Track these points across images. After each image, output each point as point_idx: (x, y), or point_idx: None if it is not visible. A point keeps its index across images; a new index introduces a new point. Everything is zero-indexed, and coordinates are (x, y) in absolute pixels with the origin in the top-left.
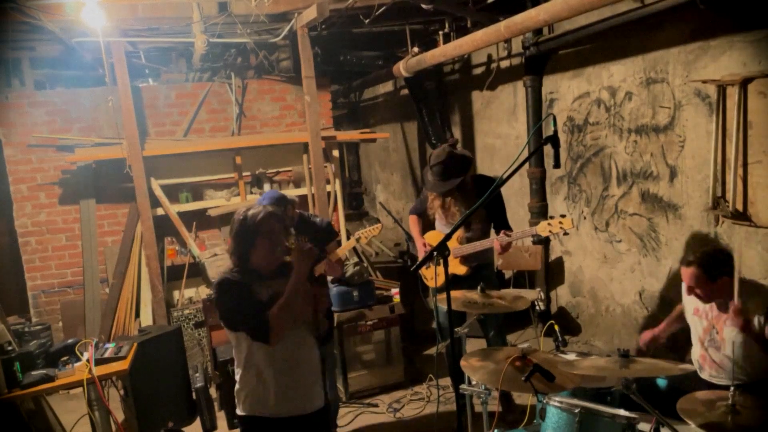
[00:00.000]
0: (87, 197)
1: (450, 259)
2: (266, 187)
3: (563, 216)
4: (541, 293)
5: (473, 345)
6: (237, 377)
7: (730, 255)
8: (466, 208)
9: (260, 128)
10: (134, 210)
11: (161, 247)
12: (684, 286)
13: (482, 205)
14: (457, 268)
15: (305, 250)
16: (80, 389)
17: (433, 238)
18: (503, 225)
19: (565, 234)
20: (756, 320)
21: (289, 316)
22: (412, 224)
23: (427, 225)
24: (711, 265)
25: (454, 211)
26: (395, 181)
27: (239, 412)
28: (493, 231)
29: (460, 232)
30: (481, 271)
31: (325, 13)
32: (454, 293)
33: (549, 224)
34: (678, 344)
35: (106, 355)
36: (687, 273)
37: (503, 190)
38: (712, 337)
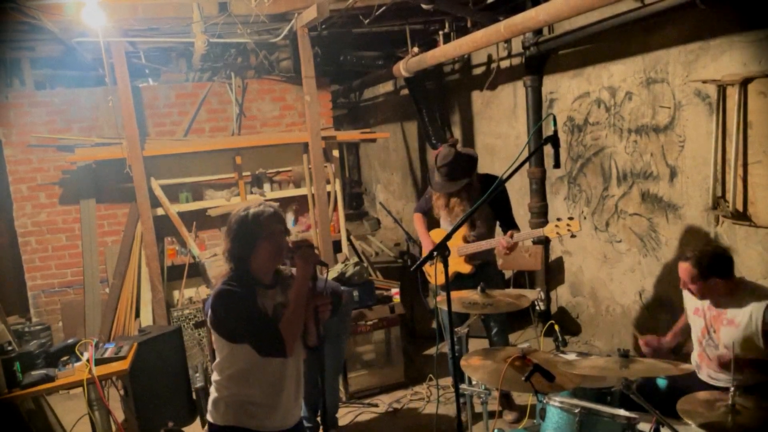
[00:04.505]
0: (87, 197)
1: (454, 257)
2: (266, 187)
3: (571, 218)
4: (541, 293)
5: (476, 345)
6: (215, 383)
7: (728, 257)
8: (470, 207)
9: (260, 128)
10: (134, 210)
11: (161, 247)
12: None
13: (484, 203)
14: (461, 267)
15: (308, 251)
16: (80, 389)
17: (440, 236)
18: (510, 223)
19: (573, 236)
20: (753, 317)
21: (300, 324)
22: (418, 223)
23: (433, 223)
24: (704, 265)
25: (458, 211)
26: (395, 181)
27: (216, 421)
28: (499, 230)
29: (465, 231)
30: (485, 270)
31: (325, 13)
32: (455, 293)
33: (556, 226)
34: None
35: (106, 355)
36: (681, 267)
37: (506, 188)
38: (710, 336)
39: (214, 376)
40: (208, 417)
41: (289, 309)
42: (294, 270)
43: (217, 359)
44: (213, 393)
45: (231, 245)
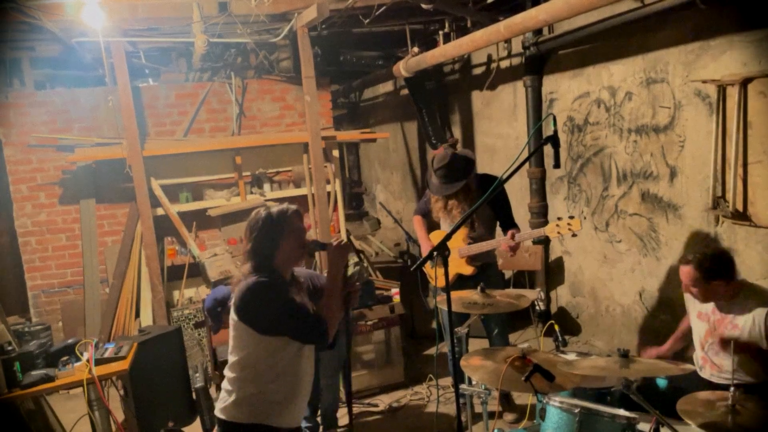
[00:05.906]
0: (87, 197)
1: (456, 258)
2: (266, 187)
3: (572, 217)
4: (541, 293)
5: (476, 345)
6: (234, 380)
7: (730, 259)
8: (469, 209)
9: (260, 128)
10: (134, 210)
11: (161, 247)
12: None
13: (483, 204)
14: (463, 268)
15: (342, 244)
16: (80, 389)
17: (440, 238)
18: (509, 223)
19: (574, 236)
20: (756, 321)
21: (339, 310)
22: (417, 225)
23: (433, 225)
24: (707, 267)
25: (457, 213)
26: (395, 181)
27: (237, 419)
28: (500, 231)
29: (465, 232)
30: (486, 271)
31: (325, 13)
32: (455, 293)
33: (557, 225)
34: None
35: (106, 355)
36: (683, 271)
37: (505, 188)
38: (714, 340)
39: (233, 373)
40: (222, 415)
41: (327, 295)
42: (304, 269)
43: (238, 357)
44: (233, 391)
45: (255, 243)
